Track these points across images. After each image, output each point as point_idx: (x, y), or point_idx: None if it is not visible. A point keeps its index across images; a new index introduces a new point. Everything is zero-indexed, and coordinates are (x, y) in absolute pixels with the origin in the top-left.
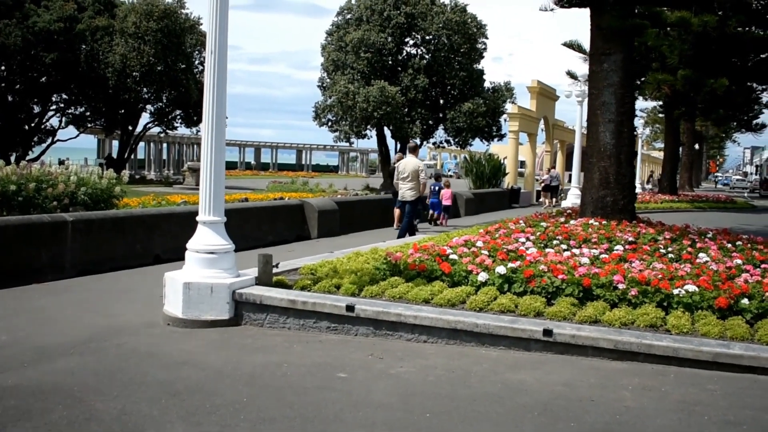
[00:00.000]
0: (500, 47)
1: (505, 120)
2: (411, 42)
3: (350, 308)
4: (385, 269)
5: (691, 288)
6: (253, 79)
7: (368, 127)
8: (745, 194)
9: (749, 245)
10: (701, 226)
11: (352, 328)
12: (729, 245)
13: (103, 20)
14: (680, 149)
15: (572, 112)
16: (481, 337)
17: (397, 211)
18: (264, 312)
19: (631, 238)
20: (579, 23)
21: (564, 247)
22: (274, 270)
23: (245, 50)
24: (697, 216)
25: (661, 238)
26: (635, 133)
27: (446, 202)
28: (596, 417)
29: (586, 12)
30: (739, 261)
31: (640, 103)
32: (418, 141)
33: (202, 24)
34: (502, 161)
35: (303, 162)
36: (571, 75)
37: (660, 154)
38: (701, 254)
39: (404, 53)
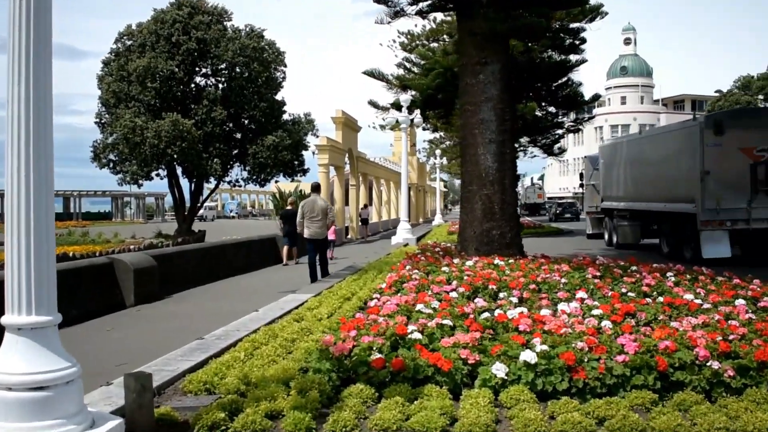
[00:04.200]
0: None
1: (314, 153)
2: (203, 71)
3: None
4: (328, 370)
5: None
6: (3, 127)
7: (160, 166)
8: (547, 218)
9: (689, 277)
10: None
11: None
12: (668, 277)
13: None
14: None
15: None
16: None
17: (285, 249)
18: None
19: (563, 280)
20: (378, 54)
21: (514, 300)
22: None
23: None
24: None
25: (589, 276)
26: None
27: (331, 236)
28: None
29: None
30: (742, 301)
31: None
32: (318, 180)
33: None
34: None
35: (72, 210)
36: (374, 104)
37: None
38: (686, 295)
39: (196, 83)
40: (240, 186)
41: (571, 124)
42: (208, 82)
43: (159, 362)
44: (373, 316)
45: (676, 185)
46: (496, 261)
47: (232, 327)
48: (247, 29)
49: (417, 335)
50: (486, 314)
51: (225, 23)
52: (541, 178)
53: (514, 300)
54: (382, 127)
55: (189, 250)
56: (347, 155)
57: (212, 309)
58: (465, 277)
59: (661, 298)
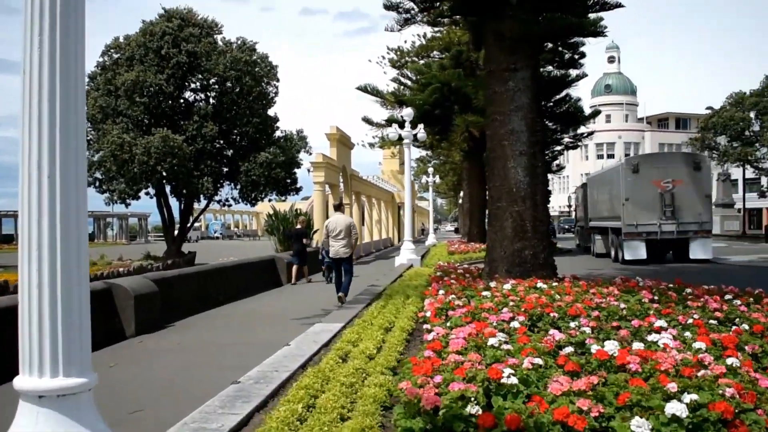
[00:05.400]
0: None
1: (308, 170)
2: (193, 85)
3: None
4: (422, 430)
5: None
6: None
7: (149, 184)
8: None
9: (751, 299)
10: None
11: None
12: (729, 301)
13: None
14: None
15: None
16: None
17: (295, 268)
18: None
19: (621, 305)
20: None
21: (587, 330)
22: None
23: None
24: None
25: (645, 300)
26: None
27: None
28: None
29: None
30: None
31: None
32: (342, 198)
33: None
34: (311, 217)
35: None
36: (368, 121)
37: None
38: None
39: (185, 98)
40: (230, 205)
41: (570, 140)
42: (198, 96)
43: (197, 417)
44: (453, 356)
45: (614, 208)
46: (539, 284)
47: (268, 367)
48: (239, 42)
49: (513, 380)
50: (569, 349)
51: (215, 36)
52: None
53: (587, 330)
54: (371, 145)
55: (190, 274)
56: (341, 173)
57: (222, 339)
58: (510, 303)
59: (745, 326)
